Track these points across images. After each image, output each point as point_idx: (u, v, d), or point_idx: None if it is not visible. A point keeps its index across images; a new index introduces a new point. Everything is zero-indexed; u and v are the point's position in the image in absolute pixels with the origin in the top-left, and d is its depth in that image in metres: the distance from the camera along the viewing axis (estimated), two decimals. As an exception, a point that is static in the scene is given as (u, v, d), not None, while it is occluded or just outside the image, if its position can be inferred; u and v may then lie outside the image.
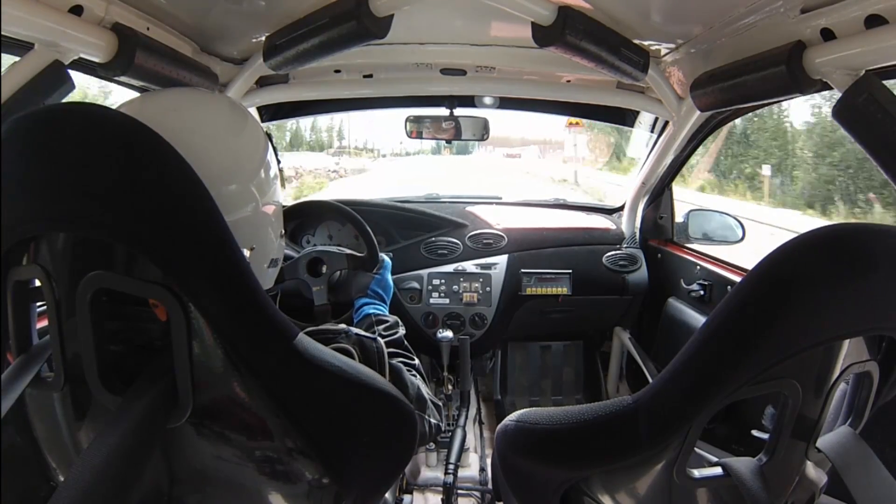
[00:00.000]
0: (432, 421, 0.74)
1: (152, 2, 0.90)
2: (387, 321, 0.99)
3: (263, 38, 1.09)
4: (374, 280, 1.16)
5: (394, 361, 0.70)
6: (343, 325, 0.66)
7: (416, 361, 0.88)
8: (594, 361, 1.96)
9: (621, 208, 1.89)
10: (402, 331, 0.97)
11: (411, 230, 1.75)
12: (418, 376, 0.84)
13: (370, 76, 1.47)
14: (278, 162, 0.68)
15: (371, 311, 1.05)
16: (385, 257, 1.26)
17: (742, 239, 1.62)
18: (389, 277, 1.20)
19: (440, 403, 0.80)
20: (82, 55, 0.82)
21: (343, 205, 1.45)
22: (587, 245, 1.76)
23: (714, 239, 1.66)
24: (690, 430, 0.57)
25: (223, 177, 0.56)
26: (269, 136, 0.66)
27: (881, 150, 0.76)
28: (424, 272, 1.67)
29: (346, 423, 0.51)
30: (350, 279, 1.35)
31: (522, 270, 1.68)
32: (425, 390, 0.77)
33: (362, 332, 0.65)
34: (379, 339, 0.66)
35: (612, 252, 1.74)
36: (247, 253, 0.60)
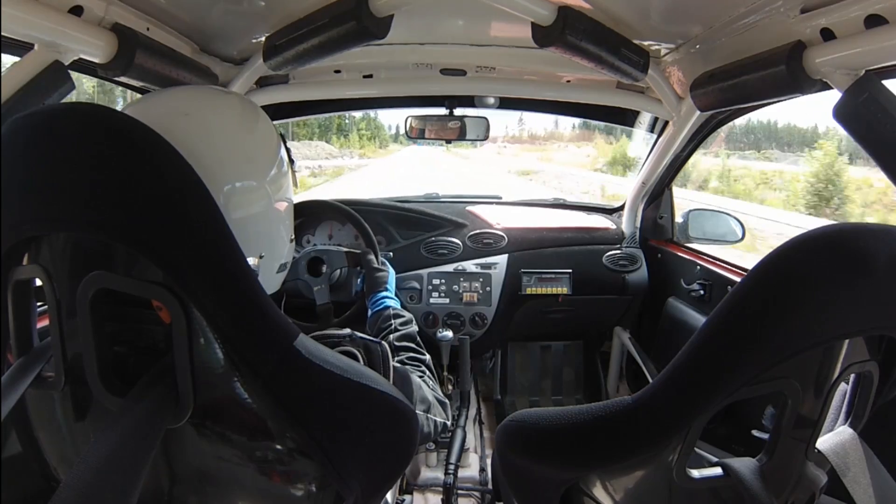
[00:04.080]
0: (437, 420, 0.75)
1: (152, 2, 0.90)
2: (403, 316, 1.04)
3: (263, 38, 1.09)
4: (390, 276, 1.22)
5: (396, 363, 0.70)
6: (347, 330, 0.66)
7: (427, 357, 0.91)
8: (594, 361, 1.96)
9: (621, 208, 1.89)
10: (415, 327, 1.02)
11: (411, 230, 1.75)
12: (427, 372, 0.85)
13: (370, 76, 1.46)
14: (291, 161, 0.68)
15: (391, 303, 1.10)
16: (384, 259, 1.28)
17: (742, 238, 1.63)
18: (393, 276, 1.26)
19: (446, 401, 0.80)
20: (82, 55, 0.82)
21: (343, 204, 1.45)
22: (587, 245, 1.76)
23: (714, 239, 1.66)
24: (690, 430, 0.57)
25: (238, 174, 0.57)
26: (282, 136, 0.67)
27: (881, 150, 0.76)
28: (424, 272, 1.67)
29: (346, 424, 0.51)
30: (351, 277, 1.35)
31: (522, 270, 1.68)
32: (430, 390, 0.78)
33: (367, 336, 0.66)
34: (384, 343, 0.67)
35: (612, 252, 1.74)
36: (256, 261, 0.61)
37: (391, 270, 1.24)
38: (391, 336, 0.95)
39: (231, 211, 0.56)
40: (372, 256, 1.26)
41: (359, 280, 1.33)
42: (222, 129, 0.58)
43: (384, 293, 1.15)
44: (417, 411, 0.69)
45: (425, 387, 0.76)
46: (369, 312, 1.11)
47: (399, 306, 1.12)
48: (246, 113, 0.62)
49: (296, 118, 1.73)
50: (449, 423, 0.79)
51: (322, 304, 1.30)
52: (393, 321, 1.01)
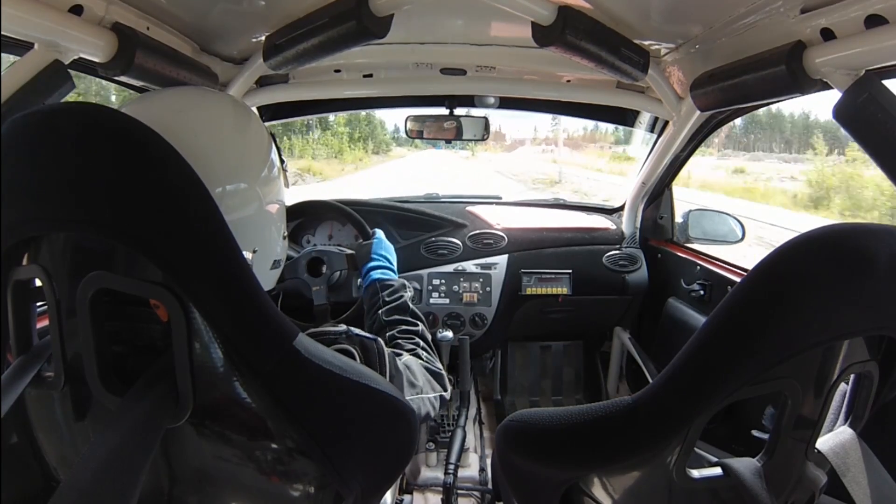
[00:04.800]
0: (431, 396, 0.73)
1: (152, 1, 0.90)
2: (391, 285, 0.98)
3: (263, 38, 1.09)
4: (374, 244, 1.13)
5: (392, 348, 0.68)
6: (343, 326, 0.66)
7: (420, 327, 0.87)
8: (594, 361, 1.96)
9: (621, 208, 1.89)
10: (407, 294, 0.97)
11: (411, 230, 1.75)
12: (421, 343, 0.82)
13: (370, 76, 1.47)
14: (281, 161, 0.68)
15: (377, 276, 1.04)
16: (376, 230, 1.23)
17: (742, 239, 1.63)
18: (386, 241, 1.17)
19: (441, 371, 0.78)
20: (82, 55, 0.82)
21: (343, 205, 1.45)
22: (587, 245, 1.76)
23: (714, 239, 1.66)
24: (690, 430, 0.57)
25: (228, 176, 0.57)
26: (272, 136, 0.67)
27: (881, 150, 0.76)
28: (424, 272, 1.67)
29: (346, 423, 0.51)
30: (351, 278, 1.35)
31: (522, 270, 1.68)
32: (422, 364, 0.75)
33: (363, 333, 0.66)
34: (379, 339, 0.66)
35: (612, 252, 1.74)
36: (250, 255, 0.61)
37: (379, 238, 1.16)
38: (380, 311, 0.91)
39: (223, 213, 0.56)
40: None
41: (359, 281, 1.33)
42: (215, 130, 0.58)
43: (369, 264, 1.08)
44: (411, 396, 0.67)
45: (416, 365, 0.74)
46: (363, 289, 1.06)
47: (390, 274, 1.06)
48: (238, 114, 0.62)
49: (296, 118, 1.73)
50: (447, 394, 0.77)
51: (319, 305, 1.29)
52: (381, 294, 0.96)
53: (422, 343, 0.84)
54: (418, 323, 0.89)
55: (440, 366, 0.80)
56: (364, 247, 1.14)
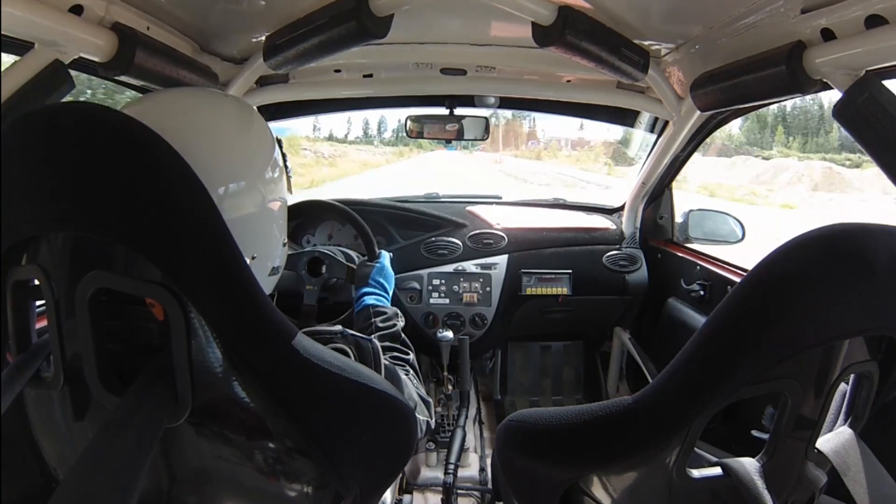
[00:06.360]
0: (421, 419, 0.74)
1: (152, 1, 0.90)
2: (385, 313, 0.99)
3: (263, 38, 1.09)
4: (374, 269, 1.14)
5: (386, 360, 0.69)
6: (339, 327, 0.66)
7: (411, 356, 0.88)
8: (594, 361, 1.96)
9: (621, 208, 1.89)
10: (400, 323, 0.97)
11: (411, 230, 1.75)
12: (411, 371, 0.83)
13: (370, 76, 1.47)
14: (285, 164, 0.68)
15: (371, 301, 1.05)
16: (383, 252, 1.24)
17: (742, 239, 1.63)
18: (389, 267, 1.18)
19: (429, 400, 0.80)
20: (82, 55, 0.82)
21: (343, 205, 1.45)
22: (587, 245, 1.76)
23: (714, 239, 1.66)
24: (690, 430, 0.57)
25: (231, 174, 0.57)
26: (278, 141, 0.67)
27: (881, 150, 0.76)
28: (424, 272, 1.67)
29: (345, 423, 0.51)
30: (346, 285, 1.35)
31: (522, 270, 1.68)
32: (414, 388, 0.77)
33: (358, 334, 0.66)
34: (374, 340, 0.66)
35: (612, 252, 1.74)
36: (248, 261, 0.61)
37: (382, 262, 1.17)
38: (373, 337, 0.93)
39: (225, 211, 0.56)
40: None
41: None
42: (218, 130, 0.58)
43: (364, 289, 1.09)
44: None
45: (411, 385, 0.76)
46: (354, 311, 1.07)
47: (384, 301, 1.06)
48: (242, 115, 0.62)
49: (296, 118, 1.73)
50: (432, 422, 0.78)
51: (307, 305, 1.29)
52: (374, 319, 0.96)
53: (411, 372, 0.84)
54: (409, 352, 0.89)
55: (425, 393, 0.80)
56: (365, 268, 1.15)
